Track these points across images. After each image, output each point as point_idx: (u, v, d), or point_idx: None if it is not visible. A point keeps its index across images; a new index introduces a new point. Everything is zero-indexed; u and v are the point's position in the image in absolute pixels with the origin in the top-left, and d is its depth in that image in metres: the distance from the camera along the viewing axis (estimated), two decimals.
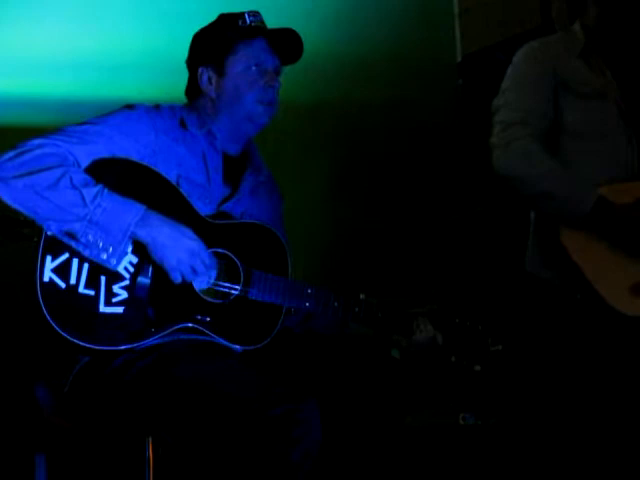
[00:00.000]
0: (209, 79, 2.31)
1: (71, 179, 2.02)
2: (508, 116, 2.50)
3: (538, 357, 2.61)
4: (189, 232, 2.10)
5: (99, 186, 2.04)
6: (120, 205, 2.03)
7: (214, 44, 2.31)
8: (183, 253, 2.06)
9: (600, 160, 2.49)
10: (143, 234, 2.04)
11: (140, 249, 2.07)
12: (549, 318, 2.53)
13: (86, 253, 2.02)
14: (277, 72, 2.34)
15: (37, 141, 2.06)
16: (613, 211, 2.38)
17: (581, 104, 2.51)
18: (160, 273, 2.08)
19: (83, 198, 2.01)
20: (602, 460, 2.44)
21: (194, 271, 2.08)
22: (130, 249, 2.07)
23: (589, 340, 2.45)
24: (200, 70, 2.31)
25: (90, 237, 2.00)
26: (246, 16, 2.30)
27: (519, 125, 2.47)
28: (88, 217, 2.00)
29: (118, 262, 2.04)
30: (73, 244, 2.01)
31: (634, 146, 2.47)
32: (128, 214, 2.03)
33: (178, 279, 2.08)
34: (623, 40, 2.53)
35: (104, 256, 2.02)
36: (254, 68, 2.29)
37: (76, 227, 2.00)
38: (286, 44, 2.32)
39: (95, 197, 2.01)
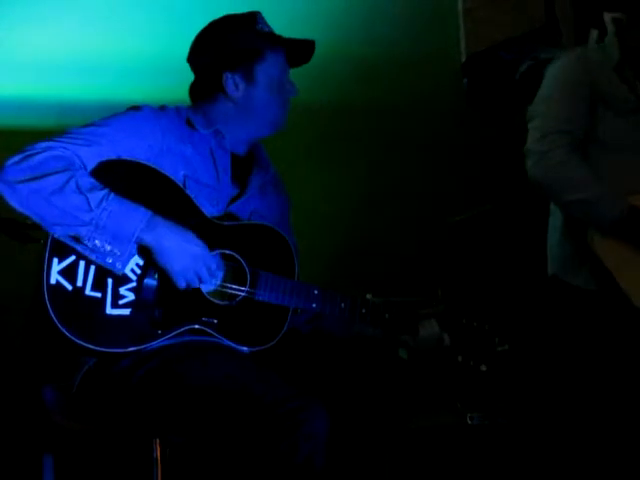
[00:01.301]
0: (236, 85, 2.28)
1: (77, 183, 2.01)
2: (546, 124, 2.55)
3: (549, 358, 2.62)
4: (194, 238, 2.09)
5: (105, 190, 2.03)
6: (126, 209, 2.03)
7: (242, 49, 2.27)
8: (188, 259, 2.05)
9: (630, 172, 2.52)
10: (149, 239, 2.04)
11: (146, 251, 2.07)
12: (575, 322, 2.56)
13: (92, 257, 2.02)
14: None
15: (43, 144, 2.06)
16: None
17: (615, 117, 2.57)
18: (166, 275, 2.08)
19: (89, 202, 2.00)
20: (612, 460, 2.44)
21: (199, 278, 2.08)
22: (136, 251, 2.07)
23: (609, 343, 2.48)
24: (225, 75, 2.27)
25: (97, 242, 2.00)
26: (259, 20, 2.29)
27: (557, 134, 2.52)
28: (94, 222, 1.99)
29: (123, 266, 2.04)
30: (79, 248, 2.01)
31: None
32: (134, 219, 2.02)
33: (182, 285, 2.07)
34: None
35: (110, 260, 2.02)
36: (282, 76, 2.30)
37: (82, 231, 2.00)
38: (301, 53, 2.32)
39: (101, 201, 2.01)
